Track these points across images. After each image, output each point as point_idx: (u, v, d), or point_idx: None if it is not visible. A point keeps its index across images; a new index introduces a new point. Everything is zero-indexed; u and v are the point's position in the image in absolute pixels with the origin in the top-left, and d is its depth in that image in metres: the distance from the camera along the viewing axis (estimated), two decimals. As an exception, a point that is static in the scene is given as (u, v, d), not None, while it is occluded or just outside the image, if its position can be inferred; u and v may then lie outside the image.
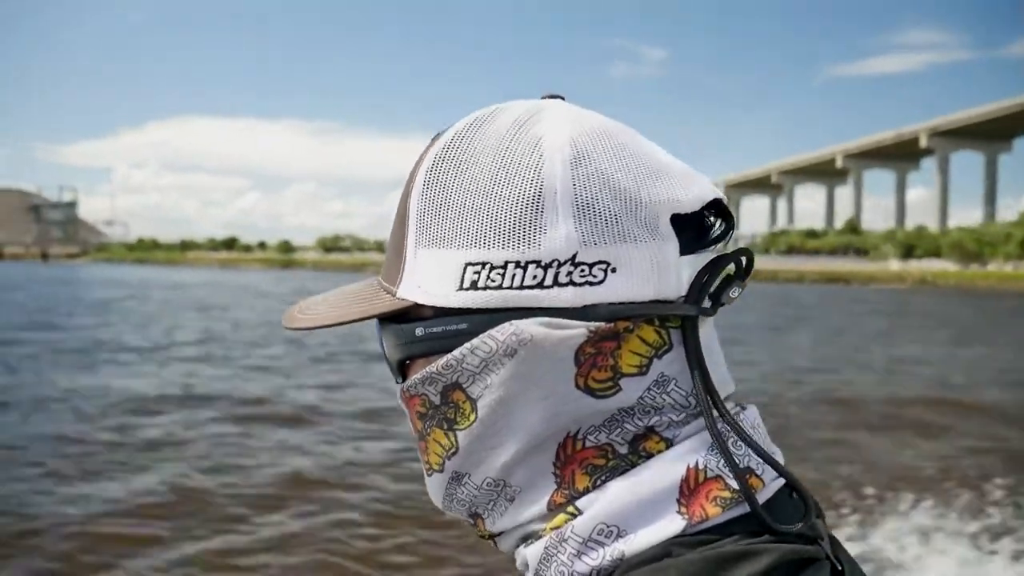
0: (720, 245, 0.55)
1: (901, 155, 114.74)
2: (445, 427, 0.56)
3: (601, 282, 0.50)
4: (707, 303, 0.54)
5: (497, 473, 0.54)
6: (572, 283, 0.50)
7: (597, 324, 0.50)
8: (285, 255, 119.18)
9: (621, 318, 0.51)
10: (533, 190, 0.51)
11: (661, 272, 0.51)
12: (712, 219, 0.55)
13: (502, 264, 0.51)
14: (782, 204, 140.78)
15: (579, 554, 0.51)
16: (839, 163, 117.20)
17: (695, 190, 0.53)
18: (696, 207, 0.53)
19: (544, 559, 0.52)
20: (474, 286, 0.52)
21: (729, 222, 0.56)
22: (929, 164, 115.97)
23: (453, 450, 0.56)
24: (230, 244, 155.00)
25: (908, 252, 75.43)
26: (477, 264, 0.51)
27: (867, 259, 79.94)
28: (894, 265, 69.80)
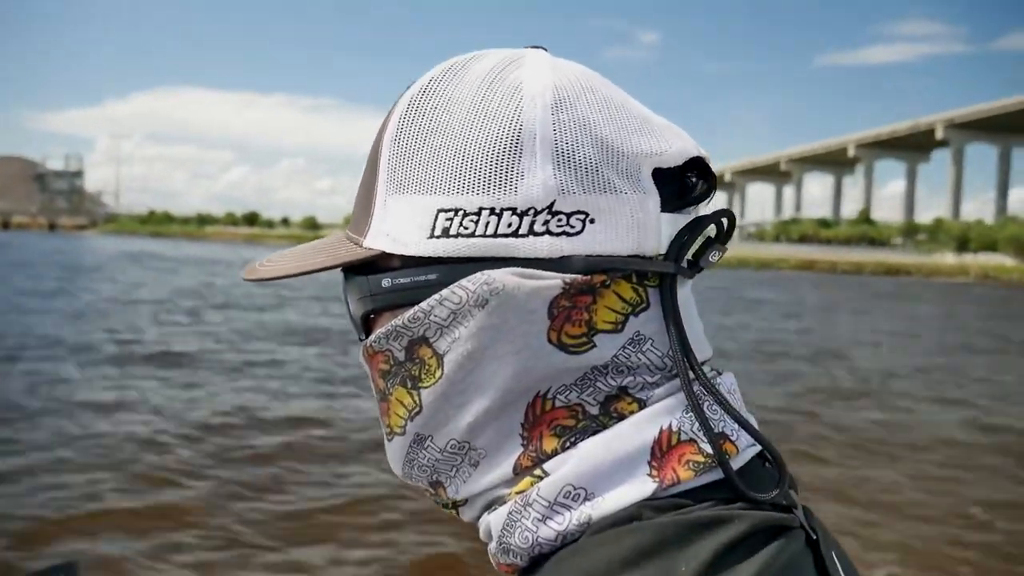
0: (701, 205, 0.54)
1: (914, 146, 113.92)
2: (409, 385, 0.53)
3: (578, 233, 0.48)
4: (686, 265, 0.52)
5: (462, 434, 0.52)
6: (548, 232, 0.48)
7: (573, 276, 0.48)
8: (312, 232, 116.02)
9: (598, 271, 0.49)
10: (511, 134, 0.49)
11: (641, 227, 0.50)
12: (694, 179, 0.53)
13: (476, 210, 0.49)
14: (787, 192, 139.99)
15: (544, 518, 0.49)
16: (851, 152, 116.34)
17: (678, 144, 0.52)
18: (679, 161, 0.51)
19: (508, 525, 0.50)
20: (446, 233, 0.49)
21: (711, 182, 0.54)
22: (939, 156, 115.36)
23: (416, 410, 0.53)
24: (251, 219, 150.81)
25: (962, 246, 73.85)
26: (450, 210, 0.49)
27: (923, 251, 78.23)
28: (949, 258, 68.74)
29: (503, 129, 0.49)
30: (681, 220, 0.52)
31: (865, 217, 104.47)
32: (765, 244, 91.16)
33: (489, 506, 0.53)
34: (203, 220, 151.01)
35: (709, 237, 0.53)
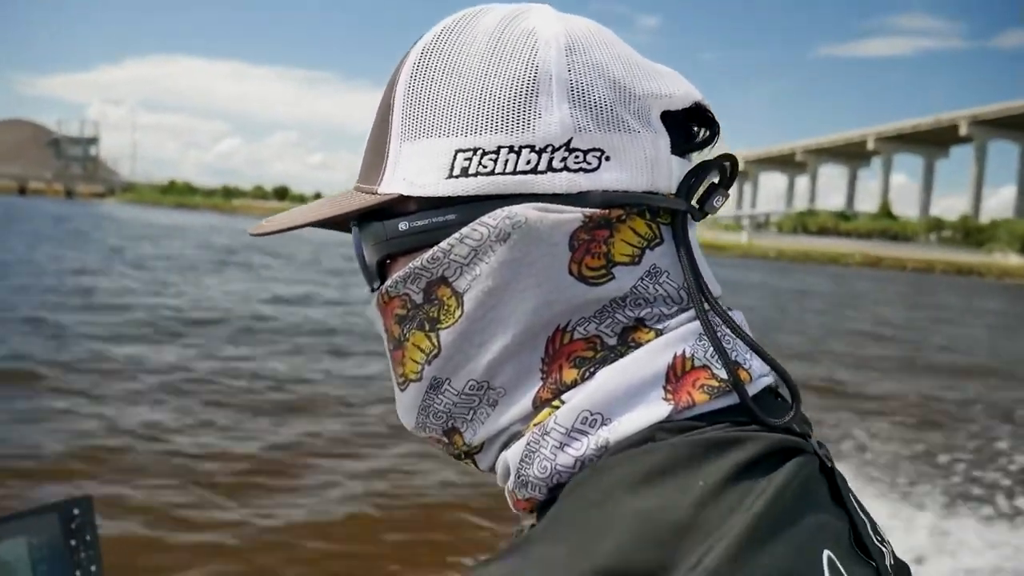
0: (705, 151, 0.56)
1: (934, 141, 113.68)
2: (427, 327, 0.53)
3: (595, 169, 0.50)
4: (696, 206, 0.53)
5: (481, 374, 0.52)
6: (567, 169, 0.49)
7: (592, 210, 0.49)
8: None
9: (615, 206, 0.50)
10: (528, 75, 0.50)
11: (654, 165, 0.51)
12: (696, 127, 0.56)
13: (495, 149, 0.50)
14: (801, 182, 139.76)
15: (562, 445, 0.49)
16: (870, 145, 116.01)
17: (683, 88, 0.53)
18: (686, 104, 0.53)
19: (526, 456, 0.50)
20: (464, 173, 0.50)
21: (713, 129, 0.56)
22: (956, 152, 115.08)
23: (435, 352, 0.53)
24: (282, 194, 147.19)
25: None
26: (468, 150, 0.50)
27: (982, 250, 76.92)
28: (1013, 259, 68.27)
29: (519, 71, 0.50)
30: (687, 165, 0.54)
31: (886, 211, 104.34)
32: (792, 236, 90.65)
33: (506, 444, 0.53)
34: (229, 193, 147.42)
35: (713, 183, 0.54)
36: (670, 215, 0.52)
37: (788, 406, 0.52)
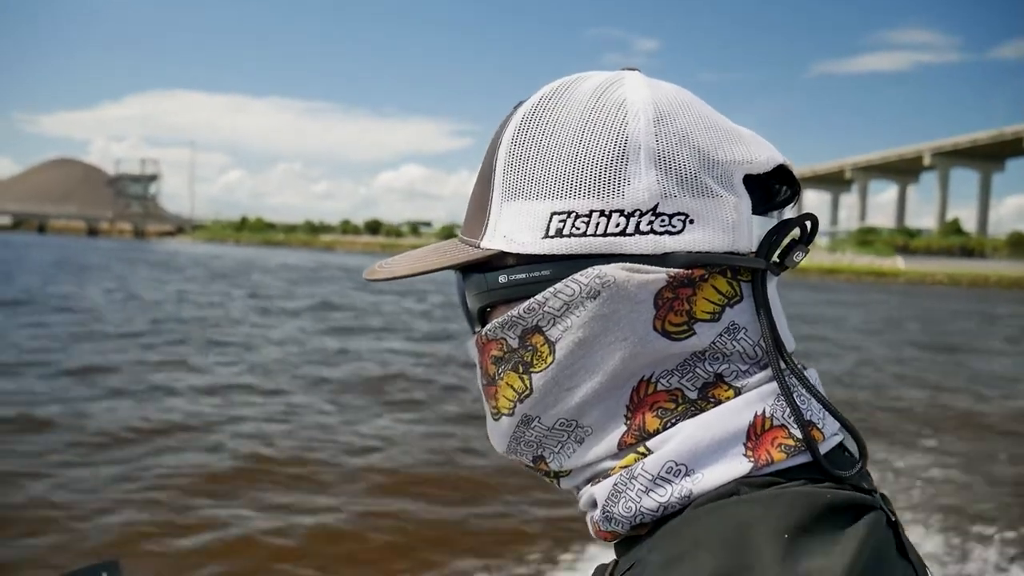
0: (786, 210, 0.58)
1: (991, 155, 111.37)
2: (520, 370, 0.57)
3: (679, 232, 0.52)
4: (774, 263, 0.55)
5: (570, 414, 0.56)
6: (653, 232, 0.52)
7: (676, 270, 0.52)
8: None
9: (698, 266, 0.52)
10: (619, 144, 0.53)
11: (735, 226, 0.53)
12: (778, 186, 0.58)
13: (587, 213, 0.53)
14: (846, 199, 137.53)
15: (648, 490, 0.52)
16: (927, 160, 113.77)
17: (766, 153, 0.56)
18: (768, 168, 0.55)
19: (612, 495, 0.54)
20: (559, 234, 0.53)
21: (795, 188, 0.58)
22: (1012, 165, 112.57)
23: (527, 393, 0.57)
24: (374, 228, 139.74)
25: None
26: (563, 213, 0.53)
27: None
28: None
29: (611, 140, 0.53)
30: (768, 222, 0.56)
31: (955, 227, 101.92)
32: (880, 256, 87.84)
33: (592, 478, 0.57)
34: (314, 228, 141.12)
35: (794, 239, 0.56)
36: (750, 273, 0.54)
37: (855, 462, 0.55)
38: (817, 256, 73.30)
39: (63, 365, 9.53)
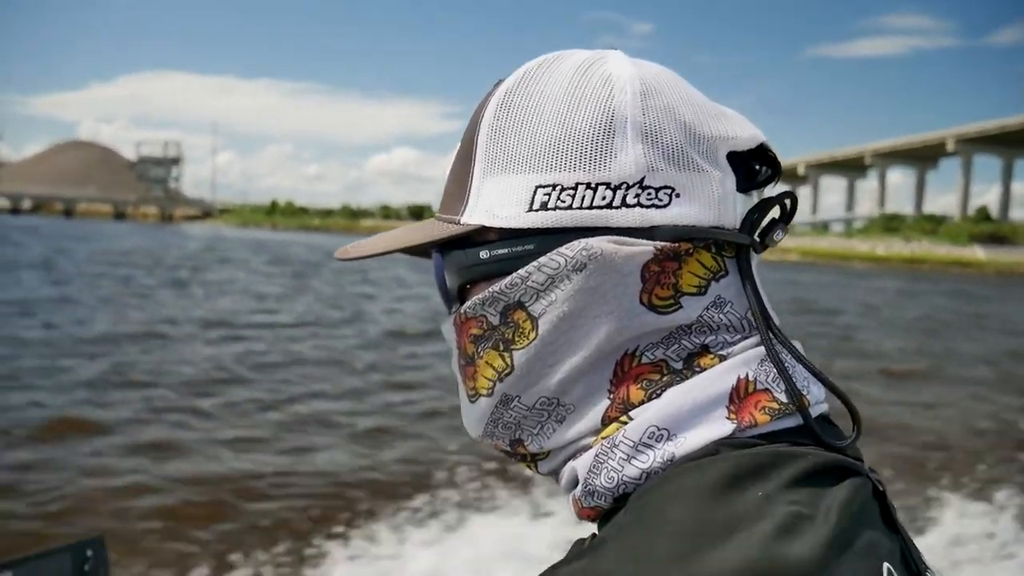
0: (766, 189, 0.58)
1: (1016, 141, 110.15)
2: (501, 347, 0.55)
3: (666, 206, 0.52)
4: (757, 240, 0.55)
5: (552, 391, 0.54)
6: (640, 205, 0.52)
7: (663, 243, 0.51)
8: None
9: (684, 239, 0.52)
10: (605, 117, 0.52)
11: (721, 201, 0.53)
12: (758, 166, 0.57)
13: (573, 185, 0.52)
14: (862, 185, 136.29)
15: (630, 458, 0.51)
16: (950, 147, 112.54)
17: (749, 131, 0.56)
18: (751, 145, 0.55)
19: (594, 467, 0.52)
20: (544, 207, 0.52)
21: (775, 168, 0.57)
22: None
23: (507, 371, 0.55)
24: (417, 212, 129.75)
25: None
26: (548, 186, 0.52)
27: None
28: None
29: (597, 113, 0.52)
30: (750, 201, 0.56)
31: (985, 215, 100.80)
32: (904, 240, 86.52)
33: (573, 455, 0.55)
34: (352, 213, 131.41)
35: (774, 218, 0.56)
36: (735, 249, 0.54)
37: (842, 434, 0.54)
38: (840, 243, 71.82)
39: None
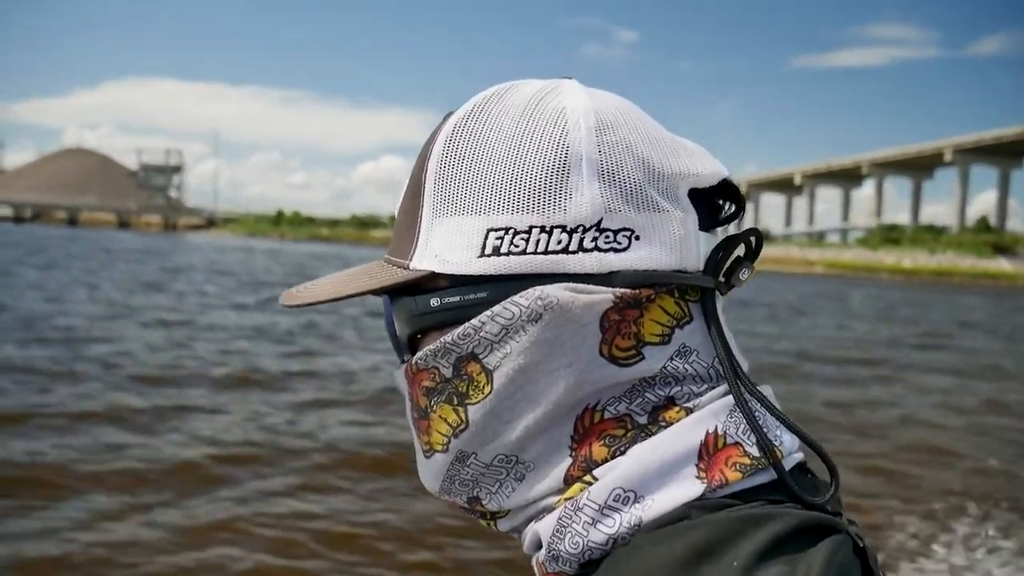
0: (731, 226, 0.55)
1: (1013, 152, 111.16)
2: (455, 402, 0.52)
3: (625, 249, 0.49)
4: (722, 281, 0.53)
5: (510, 449, 0.51)
6: (597, 249, 0.49)
7: (623, 290, 0.49)
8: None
9: (646, 285, 0.49)
10: (559, 155, 0.49)
11: (682, 242, 0.51)
12: (722, 201, 0.55)
13: (526, 229, 0.49)
14: (856, 195, 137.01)
15: (595, 522, 0.48)
16: (948, 157, 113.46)
17: (711, 166, 0.53)
18: (713, 182, 0.53)
19: (557, 531, 0.49)
20: (496, 252, 0.50)
21: (739, 203, 0.55)
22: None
23: (462, 427, 0.52)
24: None
25: None
26: (500, 229, 0.49)
27: None
28: None
29: (550, 151, 0.50)
30: (713, 239, 0.53)
31: (986, 225, 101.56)
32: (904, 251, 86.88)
33: (535, 516, 0.52)
34: (362, 223, 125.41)
35: (739, 256, 0.53)
36: (699, 292, 0.52)
37: (818, 483, 0.52)
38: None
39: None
